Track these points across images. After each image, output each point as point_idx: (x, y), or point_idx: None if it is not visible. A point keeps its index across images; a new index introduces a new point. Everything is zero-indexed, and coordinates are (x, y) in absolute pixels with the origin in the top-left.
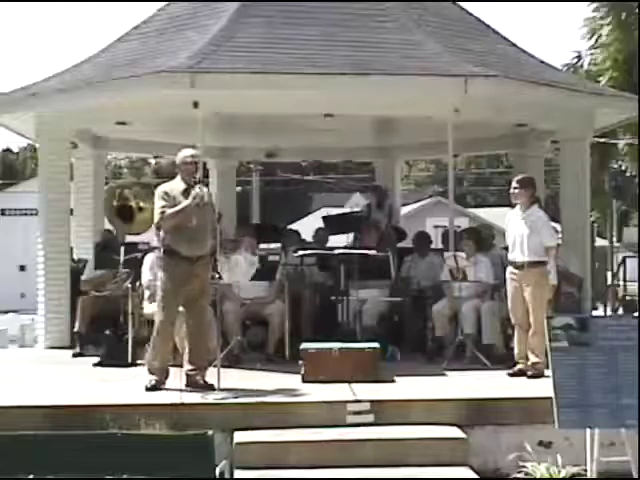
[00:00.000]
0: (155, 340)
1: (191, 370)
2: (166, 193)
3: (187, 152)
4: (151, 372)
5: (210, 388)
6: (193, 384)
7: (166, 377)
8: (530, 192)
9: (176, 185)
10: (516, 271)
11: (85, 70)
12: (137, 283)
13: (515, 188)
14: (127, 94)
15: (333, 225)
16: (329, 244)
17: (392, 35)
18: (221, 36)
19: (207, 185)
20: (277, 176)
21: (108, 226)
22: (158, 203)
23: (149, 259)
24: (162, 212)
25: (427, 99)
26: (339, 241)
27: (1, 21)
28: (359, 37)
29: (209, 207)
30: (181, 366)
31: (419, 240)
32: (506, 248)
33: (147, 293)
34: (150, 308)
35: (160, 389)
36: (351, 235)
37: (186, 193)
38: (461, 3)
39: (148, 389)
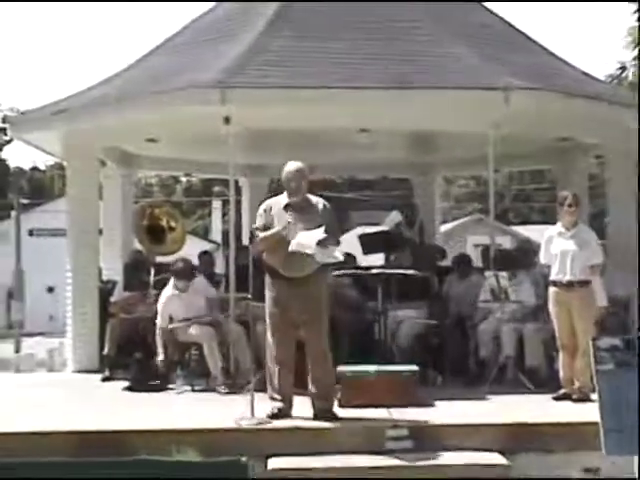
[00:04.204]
0: (270, 368)
1: (317, 399)
2: (265, 210)
3: (291, 166)
4: (273, 400)
5: (335, 418)
6: (320, 413)
7: (290, 405)
8: (580, 209)
9: (279, 200)
10: (561, 291)
11: (114, 86)
12: None
13: (570, 205)
14: (157, 110)
15: (368, 244)
16: (366, 263)
17: (428, 47)
18: (252, 50)
19: (327, 199)
20: (311, 193)
21: (138, 246)
22: (256, 221)
23: (164, 297)
24: (253, 235)
25: (466, 113)
26: (375, 260)
27: (30, 37)
28: (394, 50)
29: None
30: (214, 390)
31: (459, 263)
32: (547, 267)
33: (159, 341)
34: (182, 332)
35: (284, 417)
36: (387, 254)
37: (288, 209)
38: (499, 12)
39: (270, 416)
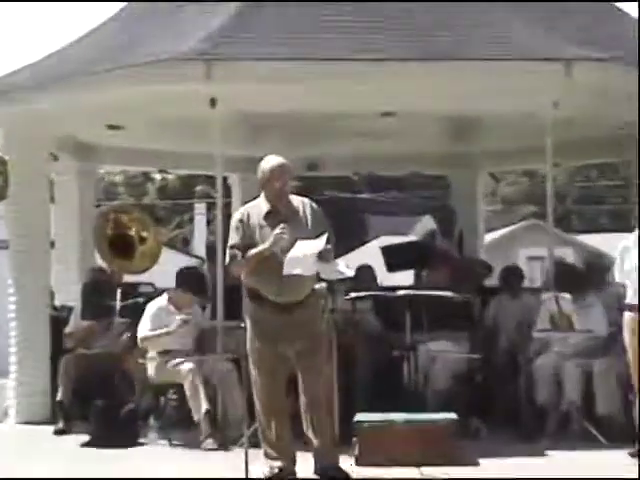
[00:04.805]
0: (261, 418)
1: (316, 454)
2: (241, 221)
3: (271, 162)
4: (270, 457)
5: (344, 477)
6: (323, 472)
7: (292, 462)
8: None
9: (258, 207)
10: (637, 317)
11: (67, 59)
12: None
13: None
14: (122, 89)
15: (394, 258)
16: (390, 282)
17: (468, 12)
18: (242, 16)
19: (315, 200)
20: (320, 194)
21: (99, 262)
22: (230, 236)
23: (154, 306)
24: (231, 255)
25: (517, 91)
26: (403, 279)
27: None
28: (424, 17)
29: (316, 230)
30: (197, 445)
31: (508, 277)
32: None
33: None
34: (152, 368)
35: (287, 478)
36: (418, 271)
37: (271, 218)
38: None
39: (268, 478)
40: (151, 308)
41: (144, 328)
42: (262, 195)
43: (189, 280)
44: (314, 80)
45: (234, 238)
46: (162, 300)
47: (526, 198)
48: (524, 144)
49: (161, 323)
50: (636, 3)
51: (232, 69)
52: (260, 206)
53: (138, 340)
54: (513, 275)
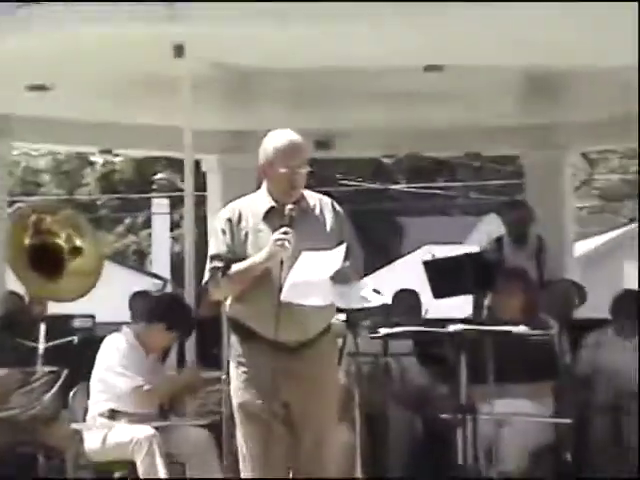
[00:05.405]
0: None
1: None
2: (229, 221)
3: (278, 138)
4: None
5: None
6: None
7: None
8: None
9: (255, 203)
10: None
11: None
12: (72, 392)
13: None
14: (47, 33)
15: (443, 278)
16: (438, 312)
17: None
18: None
19: (327, 194)
20: (336, 184)
21: (14, 285)
22: (211, 243)
23: (121, 343)
24: (212, 270)
25: (613, 37)
26: (456, 307)
27: None
28: None
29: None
30: None
31: (622, 307)
32: None
33: (98, 410)
34: (97, 441)
35: None
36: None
37: (272, 217)
38: None
39: None
40: (118, 345)
41: (120, 375)
42: (263, 187)
43: (168, 311)
44: (324, 20)
45: (218, 246)
46: (128, 335)
47: (635, 191)
48: (631, 113)
49: (140, 367)
50: (636, 3)
51: (205, 7)
52: (259, 202)
53: (131, 392)
54: (629, 304)
